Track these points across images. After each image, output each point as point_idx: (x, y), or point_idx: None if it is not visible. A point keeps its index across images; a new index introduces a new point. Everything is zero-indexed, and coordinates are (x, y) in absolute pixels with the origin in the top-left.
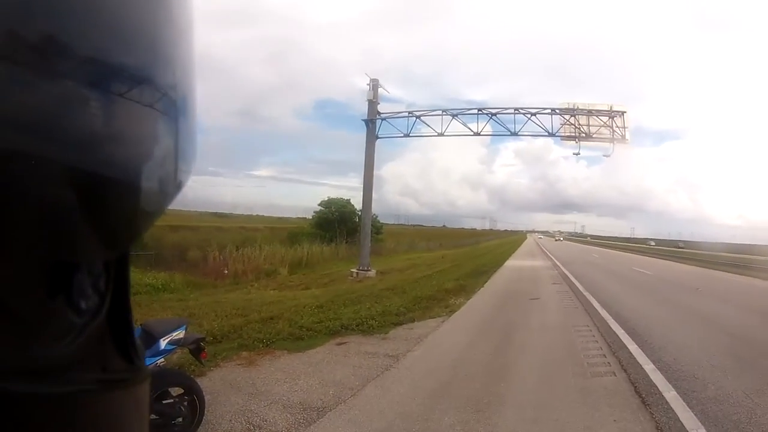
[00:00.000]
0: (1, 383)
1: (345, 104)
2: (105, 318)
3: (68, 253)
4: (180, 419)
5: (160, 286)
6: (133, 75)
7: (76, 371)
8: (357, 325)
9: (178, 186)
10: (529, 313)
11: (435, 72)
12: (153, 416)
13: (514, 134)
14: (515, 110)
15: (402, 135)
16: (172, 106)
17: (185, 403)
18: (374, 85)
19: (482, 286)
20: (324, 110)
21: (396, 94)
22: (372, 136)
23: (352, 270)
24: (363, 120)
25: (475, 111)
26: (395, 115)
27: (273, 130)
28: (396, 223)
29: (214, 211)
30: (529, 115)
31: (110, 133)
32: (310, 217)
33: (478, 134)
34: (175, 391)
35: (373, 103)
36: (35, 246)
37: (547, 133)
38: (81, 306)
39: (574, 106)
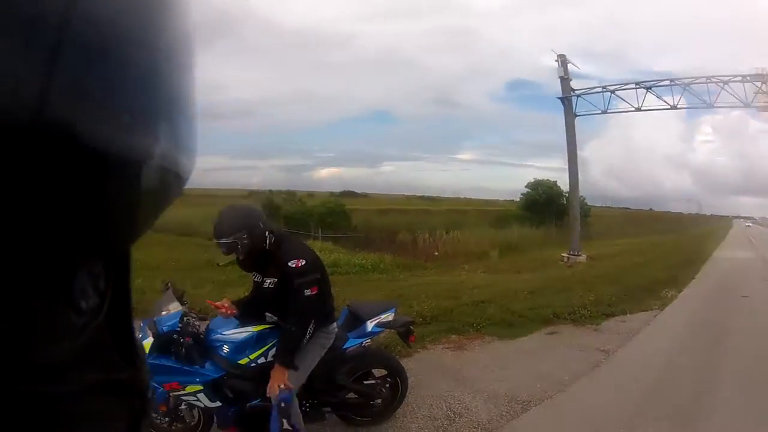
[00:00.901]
0: (1, 383)
1: (537, 84)
2: (105, 318)
3: (69, 252)
4: (379, 401)
5: (370, 267)
6: (132, 69)
7: (76, 371)
8: (569, 314)
9: (180, 183)
10: (740, 313)
11: (618, 45)
12: (353, 396)
13: (710, 106)
14: (707, 79)
15: (599, 112)
16: (173, 100)
17: (387, 385)
18: (563, 61)
19: (693, 278)
20: (517, 92)
21: (585, 71)
22: (570, 115)
23: (562, 255)
24: (558, 98)
25: (668, 82)
26: (589, 91)
27: (470, 115)
28: (603, 205)
29: (422, 194)
30: (721, 84)
31: (110, 128)
32: (518, 200)
33: (674, 107)
34: (379, 372)
35: (565, 80)
36: (35, 245)
37: (742, 104)
38: (81, 306)
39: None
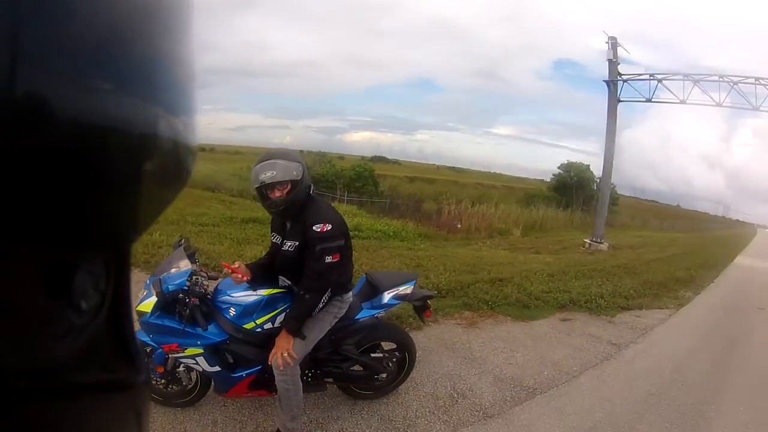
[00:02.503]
0: (1, 383)
1: (584, 65)
2: (105, 318)
3: (68, 252)
4: (384, 375)
5: (392, 234)
6: (132, 66)
7: (76, 371)
8: (585, 302)
9: (179, 184)
10: (755, 326)
11: (671, 35)
12: (357, 368)
13: (755, 108)
14: (756, 80)
15: (644, 99)
16: (173, 99)
17: (393, 360)
18: (613, 43)
19: (712, 282)
20: (563, 71)
21: (634, 57)
22: (613, 99)
23: (585, 240)
24: (604, 81)
25: (716, 78)
26: (636, 78)
27: (512, 90)
28: (632, 195)
29: (452, 165)
30: None
31: (110, 127)
32: (549, 180)
33: (719, 105)
34: (387, 345)
35: (613, 63)
36: (35, 245)
37: None
38: (81, 306)
39: None
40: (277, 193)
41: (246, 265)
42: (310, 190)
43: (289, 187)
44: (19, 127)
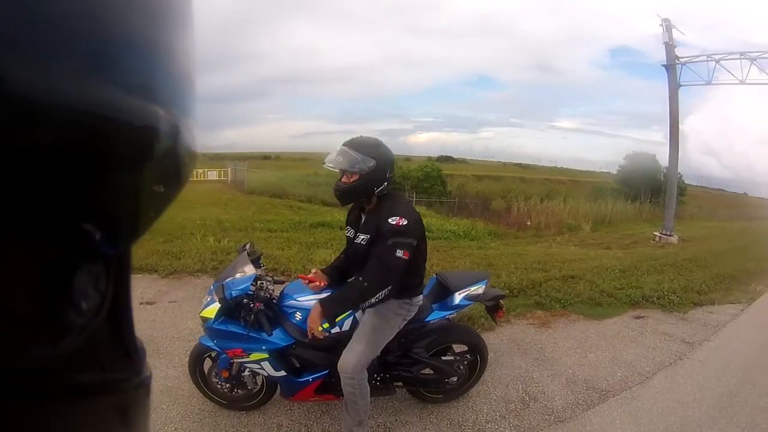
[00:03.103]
0: (1, 383)
1: (639, 51)
2: (105, 318)
3: (68, 252)
4: (455, 378)
5: (462, 233)
6: (132, 66)
7: (76, 371)
8: (658, 298)
9: (180, 184)
10: None
11: (717, 14)
12: (428, 371)
13: None
14: None
15: (703, 82)
16: (173, 99)
17: (465, 363)
18: (667, 25)
19: None
20: (619, 58)
21: (687, 39)
22: (674, 84)
23: (654, 233)
24: (662, 65)
25: None
26: (694, 60)
27: (570, 81)
28: (698, 185)
29: (518, 162)
30: None
31: (110, 126)
32: (615, 172)
33: None
34: (459, 347)
35: (669, 46)
36: (34, 244)
37: None
38: (81, 306)
39: None
40: (344, 179)
41: (322, 270)
42: (381, 187)
43: (357, 177)
44: (18, 126)
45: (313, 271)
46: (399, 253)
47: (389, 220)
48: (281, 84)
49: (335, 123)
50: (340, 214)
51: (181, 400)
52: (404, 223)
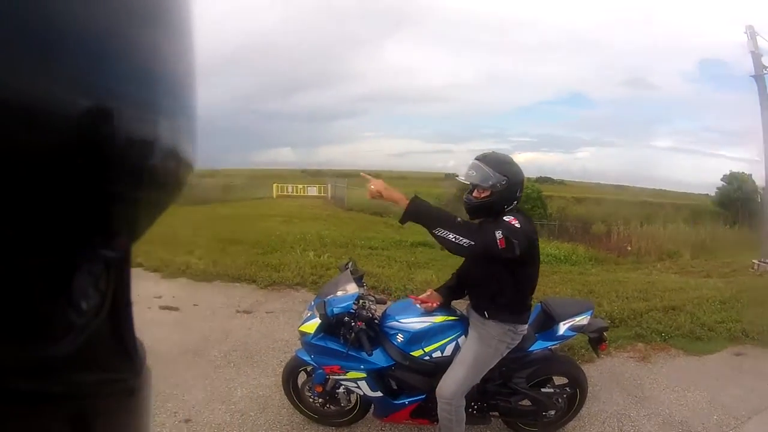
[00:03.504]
0: (1, 383)
1: (728, 63)
2: (105, 318)
3: (68, 252)
4: (552, 412)
5: (563, 257)
6: (131, 69)
7: (76, 371)
8: (757, 334)
9: (179, 186)
10: None
11: None
12: (526, 403)
13: None
14: None
15: None
16: (173, 102)
17: (564, 396)
18: (751, 32)
19: None
20: (709, 71)
21: None
22: (764, 96)
23: (753, 261)
24: (751, 76)
25: None
26: None
27: (663, 96)
28: None
29: (616, 183)
30: None
31: (109, 127)
32: (713, 194)
33: None
34: (559, 379)
35: (756, 55)
36: (34, 244)
37: None
38: (81, 306)
39: None
40: (475, 194)
41: (435, 290)
42: (511, 206)
43: (488, 193)
44: (17, 127)
45: (428, 292)
46: (498, 234)
47: (504, 218)
48: (378, 102)
49: (433, 142)
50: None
51: (271, 410)
52: (517, 224)
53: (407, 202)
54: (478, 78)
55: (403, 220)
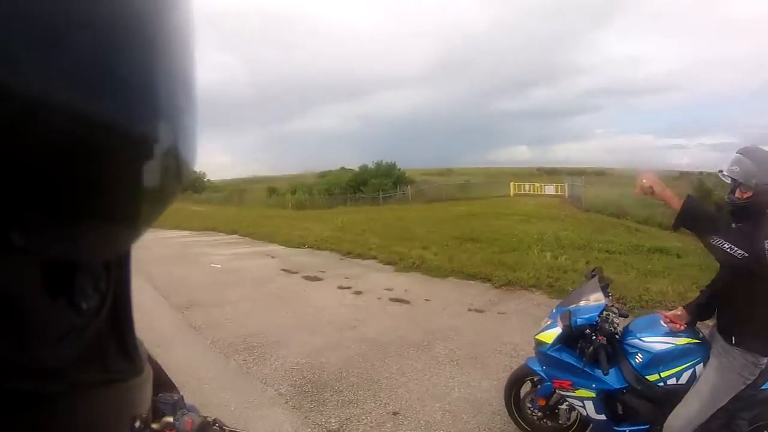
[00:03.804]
0: (1, 383)
1: None
2: (105, 318)
3: (68, 252)
4: None
5: None
6: (132, 68)
7: (76, 371)
8: None
9: (178, 185)
10: None
11: None
12: None
13: None
14: None
15: None
16: (173, 101)
17: None
18: None
19: None
20: None
21: None
22: None
23: None
24: None
25: None
26: None
27: None
28: None
29: None
30: None
31: (109, 128)
32: None
33: None
34: None
35: None
36: (34, 244)
37: None
38: (81, 306)
39: None
40: (738, 194)
41: (685, 307)
42: None
43: (751, 194)
44: (17, 127)
45: (678, 310)
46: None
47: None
48: (607, 97)
49: (665, 137)
50: (677, 240)
51: (484, 415)
52: None
53: (680, 203)
54: (709, 62)
55: (675, 225)
